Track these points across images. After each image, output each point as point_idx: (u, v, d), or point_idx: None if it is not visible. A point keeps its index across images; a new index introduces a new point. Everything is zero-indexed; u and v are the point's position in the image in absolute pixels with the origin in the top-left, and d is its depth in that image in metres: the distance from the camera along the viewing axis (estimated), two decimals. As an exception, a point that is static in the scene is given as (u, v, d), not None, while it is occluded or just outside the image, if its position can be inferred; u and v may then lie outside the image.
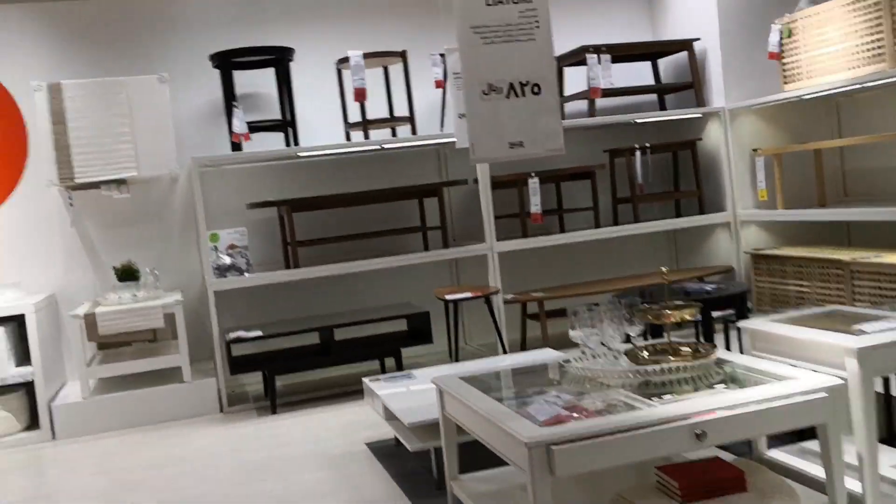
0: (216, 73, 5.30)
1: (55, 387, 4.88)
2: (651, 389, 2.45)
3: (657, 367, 2.45)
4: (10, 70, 5.07)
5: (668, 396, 2.36)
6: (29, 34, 5.10)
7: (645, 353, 2.63)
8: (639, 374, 2.48)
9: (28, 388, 4.65)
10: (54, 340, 5.02)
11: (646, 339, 3.29)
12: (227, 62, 5.00)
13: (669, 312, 2.52)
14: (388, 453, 3.65)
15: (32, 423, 4.68)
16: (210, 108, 5.37)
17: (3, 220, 5.06)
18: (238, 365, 4.68)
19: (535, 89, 2.23)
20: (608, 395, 2.44)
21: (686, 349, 2.61)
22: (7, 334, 4.58)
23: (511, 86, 2.22)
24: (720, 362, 2.63)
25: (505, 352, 4.85)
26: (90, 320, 4.57)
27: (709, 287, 3.61)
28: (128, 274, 4.93)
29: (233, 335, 4.61)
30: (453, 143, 5.35)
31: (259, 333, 4.63)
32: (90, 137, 4.80)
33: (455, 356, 4.67)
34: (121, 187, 4.93)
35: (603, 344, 2.65)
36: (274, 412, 4.60)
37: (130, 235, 5.26)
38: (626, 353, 2.65)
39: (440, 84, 5.23)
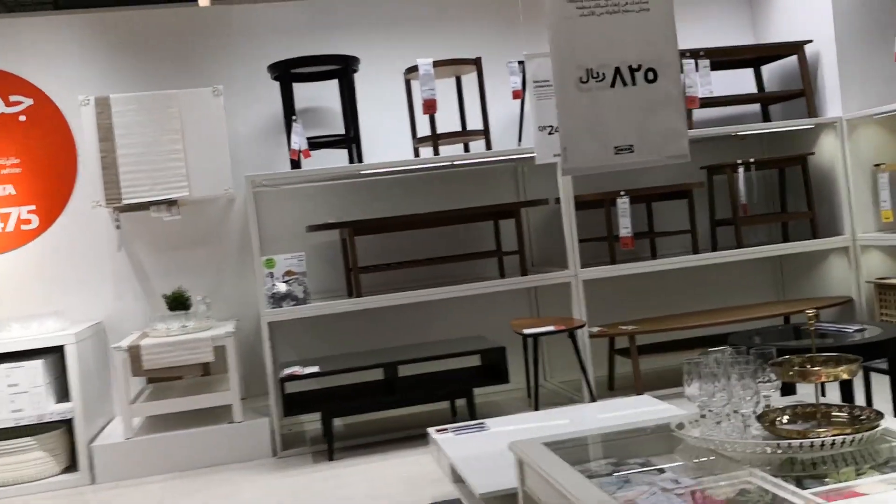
0: (275, 85, 4.90)
1: (100, 424, 4.51)
2: (797, 470, 1.87)
3: (807, 441, 1.87)
4: (59, 84, 4.77)
5: (825, 480, 1.77)
6: (77, 45, 4.79)
7: (784, 419, 2.05)
8: (780, 448, 1.90)
9: (69, 426, 4.28)
10: (100, 374, 4.65)
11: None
12: (286, 73, 4.59)
13: (820, 370, 1.94)
14: (457, 518, 3.12)
15: (72, 464, 4.31)
16: (268, 124, 4.98)
17: (49, 243, 4.74)
18: (292, 405, 4.22)
19: (650, 76, 1.70)
20: (739, 477, 1.87)
21: (841, 415, 2.02)
22: (46, 367, 4.23)
23: (617, 72, 1.70)
24: (888, 434, 2.02)
25: (592, 394, 4.28)
26: (134, 353, 4.18)
27: (852, 328, 2.98)
28: (178, 302, 4.54)
29: (287, 371, 4.16)
30: (533, 158, 4.82)
31: (316, 370, 4.17)
32: (139, 155, 4.44)
33: (535, 399, 4.12)
34: (171, 209, 4.56)
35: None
36: (331, 458, 4.12)
37: (182, 260, 4.88)
38: (759, 417, 2.07)
39: (518, 94, 4.72)
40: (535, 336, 4.10)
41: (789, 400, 2.28)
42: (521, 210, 4.65)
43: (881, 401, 3.71)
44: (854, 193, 4.81)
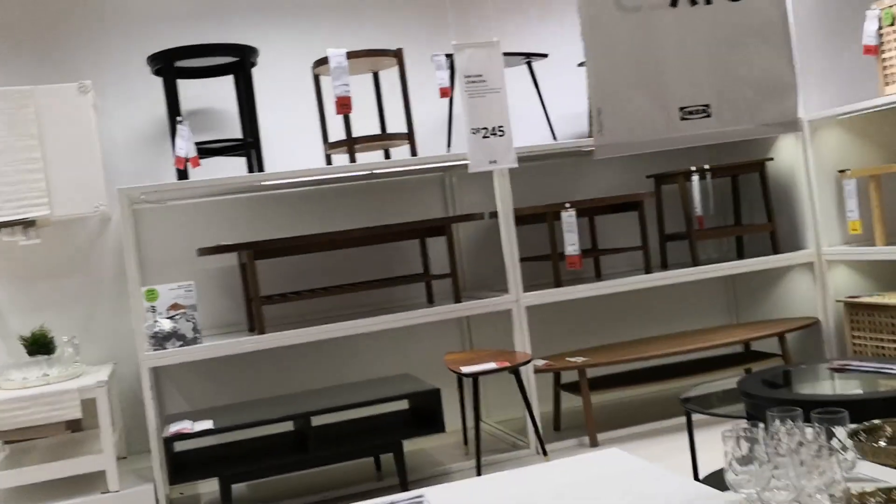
0: (157, 81, 4.13)
1: (-64, 500, 3.62)
2: None
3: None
4: None
5: None
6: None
7: (871, 515, 1.43)
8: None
9: None
10: (-61, 436, 3.76)
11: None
12: (170, 66, 3.83)
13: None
14: None
15: None
16: (149, 127, 4.19)
17: None
18: (182, 468, 3.44)
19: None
20: None
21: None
22: None
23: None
24: None
25: (541, 443, 3.63)
26: (-22, 412, 3.33)
27: (893, 367, 2.40)
28: (39, 345, 3.70)
29: (173, 429, 3.37)
30: (464, 166, 4.18)
31: (209, 425, 3.40)
32: (-15, 165, 3.60)
33: (477, 455, 3.44)
34: (28, 231, 3.72)
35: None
36: (230, 534, 3.35)
37: (44, 293, 4.03)
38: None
39: (446, 92, 4.08)
40: (475, 375, 3.44)
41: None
42: (451, 226, 3.99)
43: None
44: (818, 203, 4.34)
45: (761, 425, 1.50)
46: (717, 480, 2.91)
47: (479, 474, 3.44)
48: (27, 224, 3.70)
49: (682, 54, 1.09)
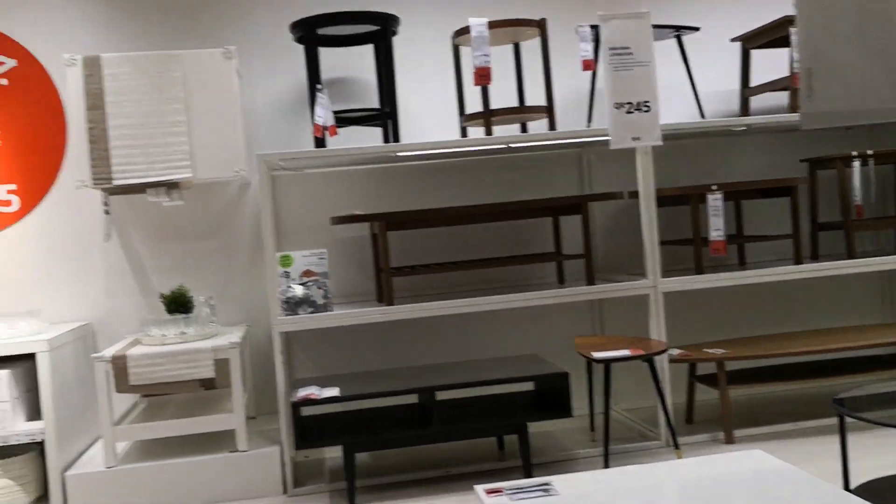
0: (298, 48, 4.15)
1: (80, 448, 3.80)
2: None
3: None
4: (47, 42, 4.06)
5: None
6: (70, -2, 4.08)
7: None
8: None
9: (42, 448, 3.58)
10: (84, 386, 3.94)
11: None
12: (312, 34, 3.83)
13: None
14: None
15: (44, 494, 3.61)
16: (289, 95, 4.22)
17: (31, 229, 4.04)
18: (307, 433, 3.47)
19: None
20: None
21: None
22: (14, 379, 3.52)
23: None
24: None
25: (674, 437, 3.46)
26: (119, 365, 3.46)
27: None
28: (177, 304, 3.81)
29: (301, 394, 3.40)
30: (604, 142, 4.01)
31: (336, 392, 3.41)
32: (134, 127, 3.71)
33: (605, 446, 3.31)
34: (172, 193, 3.82)
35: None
36: (351, 502, 3.36)
37: (184, 254, 4.15)
38: None
39: (589, 65, 3.91)
40: (608, 362, 3.30)
41: None
42: (587, 205, 3.84)
43: None
44: None
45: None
46: (870, 492, 2.68)
47: (606, 464, 3.31)
48: (171, 186, 3.80)
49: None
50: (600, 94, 4.20)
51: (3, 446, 3.49)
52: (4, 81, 4.01)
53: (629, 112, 3.63)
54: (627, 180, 4.35)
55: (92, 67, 3.70)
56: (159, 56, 3.73)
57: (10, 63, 4.02)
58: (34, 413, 3.65)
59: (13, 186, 4.02)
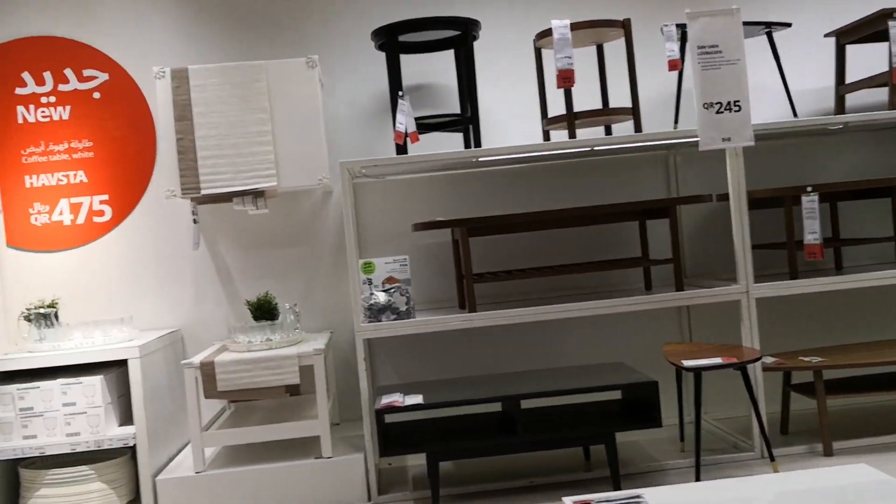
0: (378, 56, 4.16)
1: (170, 453, 3.87)
2: None
3: None
4: (136, 56, 4.16)
5: None
6: (156, 10, 4.17)
7: None
8: None
9: (134, 453, 3.67)
10: (174, 391, 4.03)
11: None
12: (393, 40, 3.83)
13: None
14: None
15: (136, 498, 3.69)
16: (369, 102, 4.23)
17: (123, 238, 4.15)
18: (391, 441, 3.46)
19: None
20: None
21: None
22: (107, 384, 3.61)
23: None
24: None
25: (769, 449, 3.32)
26: (207, 371, 3.51)
27: None
28: (263, 311, 3.85)
29: (385, 401, 3.39)
30: (691, 144, 3.90)
31: (419, 400, 3.39)
32: (221, 137, 3.77)
33: (697, 457, 3.20)
34: (258, 201, 3.87)
35: None
36: (436, 511, 3.33)
37: (269, 262, 4.20)
38: None
39: (675, 64, 3.81)
40: (699, 370, 3.19)
41: None
42: (675, 208, 3.74)
43: None
44: None
45: None
46: None
47: (697, 476, 3.20)
48: (257, 194, 3.85)
49: None
50: (687, 94, 4.09)
51: (96, 450, 3.57)
52: (97, 95, 4.14)
53: (719, 112, 3.52)
54: (716, 182, 4.23)
55: (179, 79, 3.78)
56: (244, 66, 3.79)
57: (103, 77, 4.14)
58: (126, 418, 3.74)
59: (105, 197, 4.14)
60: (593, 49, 4.17)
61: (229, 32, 4.19)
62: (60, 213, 4.11)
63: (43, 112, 4.11)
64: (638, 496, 2.44)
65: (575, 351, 4.22)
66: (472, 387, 3.57)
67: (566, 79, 3.63)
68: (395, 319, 3.58)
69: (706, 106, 3.51)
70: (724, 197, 3.78)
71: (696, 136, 3.54)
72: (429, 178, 4.20)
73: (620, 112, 3.74)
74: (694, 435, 3.21)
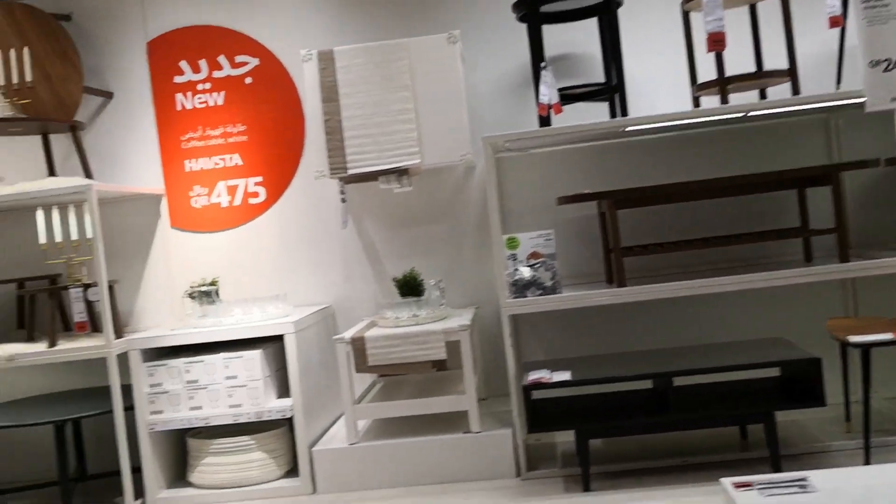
0: (518, 28, 4.10)
1: (325, 424, 4.01)
2: None
3: None
4: (285, 40, 4.28)
5: None
6: (303, -5, 4.27)
7: None
8: None
9: (291, 424, 3.82)
10: (328, 365, 4.16)
11: None
12: (535, 11, 3.77)
13: None
14: None
15: (294, 467, 3.84)
16: (510, 76, 4.19)
17: (277, 218, 4.30)
18: (539, 418, 3.44)
19: None
20: None
21: None
22: (266, 358, 3.76)
23: None
24: None
25: (948, 429, 3.09)
26: (358, 346, 3.60)
27: None
28: (409, 287, 3.91)
29: (532, 377, 3.37)
30: (855, 106, 3.65)
31: (567, 376, 3.35)
32: (365, 117, 3.84)
33: (866, 439, 3.02)
34: (402, 179, 3.92)
35: None
36: (587, 489, 3.29)
37: (414, 239, 4.25)
38: None
39: (837, 21, 3.55)
40: (867, 346, 2.99)
41: None
42: (839, 175, 3.50)
43: None
44: None
45: None
46: None
47: (867, 459, 3.02)
48: (401, 172, 3.90)
49: None
50: (851, 52, 3.81)
51: (256, 421, 3.74)
52: (249, 80, 4.29)
53: (887, 70, 3.26)
54: (882, 146, 3.94)
55: (326, 61, 3.86)
56: (387, 45, 3.83)
57: (254, 62, 4.29)
58: (283, 391, 3.89)
59: (259, 178, 4.30)
60: (745, 10, 3.96)
61: (372, 12, 4.25)
62: (218, 196, 4.30)
63: (199, 99, 4.30)
64: (803, 479, 2.32)
65: (727, 326, 4.06)
66: (621, 363, 3.50)
67: (717, 41, 3.45)
68: (540, 295, 3.55)
69: (872, 64, 3.26)
70: (893, 161, 3.52)
71: (861, 97, 3.30)
72: (572, 149, 4.12)
73: (776, 75, 3.53)
74: (862, 415, 3.02)
